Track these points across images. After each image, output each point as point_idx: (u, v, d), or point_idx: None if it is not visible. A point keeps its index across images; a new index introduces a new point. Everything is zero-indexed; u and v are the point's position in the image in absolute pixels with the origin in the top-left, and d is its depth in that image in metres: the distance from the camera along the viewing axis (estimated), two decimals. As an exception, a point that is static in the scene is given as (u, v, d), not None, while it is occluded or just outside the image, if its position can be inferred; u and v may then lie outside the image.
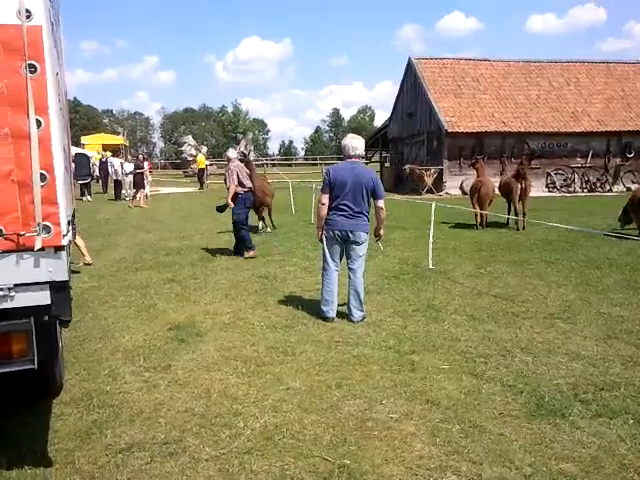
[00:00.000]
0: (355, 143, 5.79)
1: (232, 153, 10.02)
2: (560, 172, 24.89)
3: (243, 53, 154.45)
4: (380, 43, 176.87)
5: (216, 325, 5.71)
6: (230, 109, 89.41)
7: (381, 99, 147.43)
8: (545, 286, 7.14)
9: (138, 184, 20.62)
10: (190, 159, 44.33)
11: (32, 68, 2.53)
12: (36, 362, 2.99)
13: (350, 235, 5.64)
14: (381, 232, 6.04)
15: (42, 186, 2.59)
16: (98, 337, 5.39)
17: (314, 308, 6.04)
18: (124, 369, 4.58)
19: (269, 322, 5.78)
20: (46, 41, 2.59)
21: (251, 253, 9.31)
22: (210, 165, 36.70)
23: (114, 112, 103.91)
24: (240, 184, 9.34)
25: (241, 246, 9.51)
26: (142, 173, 20.76)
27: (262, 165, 37.04)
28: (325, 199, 5.70)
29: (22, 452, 3.31)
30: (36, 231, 2.60)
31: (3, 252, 2.60)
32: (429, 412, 3.75)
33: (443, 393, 4.02)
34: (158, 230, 13.25)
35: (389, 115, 31.68)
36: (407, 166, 25.67)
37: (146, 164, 25.32)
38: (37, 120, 2.56)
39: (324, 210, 5.71)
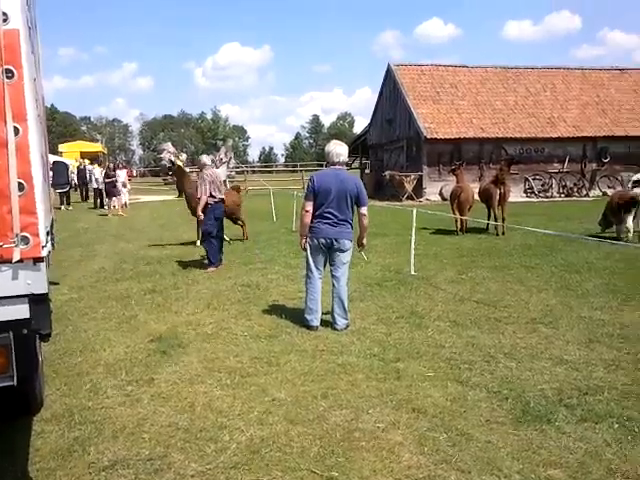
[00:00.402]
0: (339, 150, 5.77)
1: (207, 159, 9.57)
2: (538, 177, 25.22)
3: (222, 59, 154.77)
4: (360, 49, 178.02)
5: (199, 336, 5.64)
6: (209, 116, 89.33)
7: (360, 105, 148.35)
8: (526, 291, 7.20)
9: (109, 193, 20.69)
10: (169, 166, 43.97)
11: (9, 73, 2.46)
12: (15, 378, 2.92)
13: (335, 243, 5.63)
14: (364, 241, 6.03)
15: (20, 196, 2.52)
16: (78, 350, 5.28)
17: (298, 317, 6.01)
18: (106, 383, 4.50)
19: (252, 332, 5.73)
20: (23, 45, 2.52)
21: (210, 270, 8.88)
22: (190, 172, 36.42)
23: (92, 119, 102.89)
24: (210, 195, 8.84)
25: (210, 257, 9.03)
26: (113, 182, 20.72)
27: (242, 172, 36.90)
28: (309, 206, 5.68)
29: (2, 470, 3.22)
30: (14, 242, 2.53)
31: None
32: (416, 421, 3.74)
33: (429, 401, 4.02)
34: (138, 239, 13.11)
35: (369, 121, 31.86)
36: (387, 172, 25.80)
37: (125, 172, 25.12)
38: (15, 127, 2.49)
39: (307, 217, 5.69)
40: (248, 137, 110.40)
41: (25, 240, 2.55)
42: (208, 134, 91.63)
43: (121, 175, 23.36)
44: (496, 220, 12.28)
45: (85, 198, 27.67)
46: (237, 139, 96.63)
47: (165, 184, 42.38)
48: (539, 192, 25.01)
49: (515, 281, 7.77)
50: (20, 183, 2.51)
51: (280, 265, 9.24)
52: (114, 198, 20.78)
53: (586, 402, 3.93)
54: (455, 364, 4.73)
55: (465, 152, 24.26)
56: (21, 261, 2.56)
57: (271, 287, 7.71)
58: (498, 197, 12.32)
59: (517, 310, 6.32)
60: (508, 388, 4.21)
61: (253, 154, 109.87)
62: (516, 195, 21.75)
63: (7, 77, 2.45)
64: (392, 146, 28.19)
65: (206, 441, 3.52)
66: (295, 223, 13.26)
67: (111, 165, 24.08)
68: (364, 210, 5.75)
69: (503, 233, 12.11)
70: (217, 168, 24.02)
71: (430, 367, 4.67)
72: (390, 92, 27.93)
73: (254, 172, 44.82)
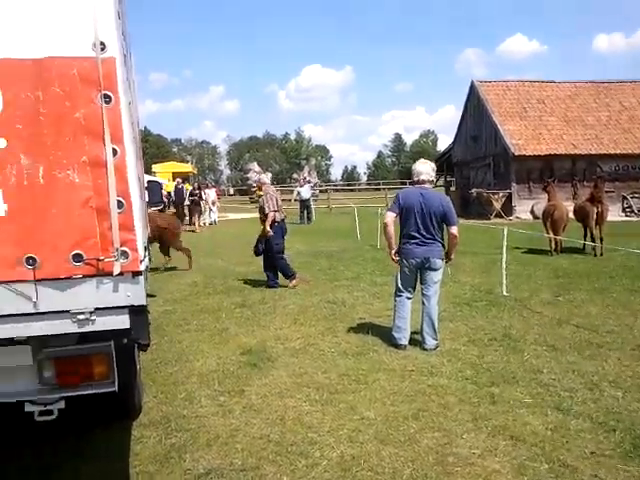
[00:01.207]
0: (420, 167, 5.67)
1: (267, 178, 9.74)
2: (637, 195, 23.71)
3: (305, 81, 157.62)
4: (441, 68, 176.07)
5: (287, 350, 5.70)
6: (293, 136, 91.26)
7: (443, 123, 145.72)
8: (630, 315, 6.73)
9: (192, 210, 21.83)
10: (255, 186, 45.34)
11: (107, 98, 2.60)
12: (117, 384, 3.06)
13: (425, 262, 5.52)
14: (452, 256, 5.84)
15: (119, 213, 2.63)
16: (174, 360, 5.49)
17: (385, 335, 5.93)
18: (199, 393, 4.63)
19: (339, 349, 5.71)
20: (119, 72, 2.66)
21: (293, 282, 8.98)
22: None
23: (182, 141, 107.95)
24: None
25: (287, 273, 9.10)
26: (196, 200, 21.94)
27: (325, 191, 37.28)
28: (388, 217, 5.63)
29: (104, 473, 3.37)
30: (115, 256, 2.64)
31: (84, 277, 2.65)
32: (514, 449, 3.56)
33: (528, 429, 3.81)
34: (226, 255, 13.50)
35: (452, 139, 31.35)
36: (474, 190, 25.19)
37: (214, 190, 26.17)
38: (113, 149, 2.62)
39: (387, 228, 5.64)
40: (331, 156, 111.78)
41: (125, 255, 2.66)
42: (292, 154, 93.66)
43: (210, 194, 24.39)
44: (593, 240, 11.62)
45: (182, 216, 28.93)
46: (320, 158, 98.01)
47: (251, 202, 43.73)
48: (639, 211, 23.48)
49: (617, 305, 7.28)
50: (119, 201, 2.63)
51: (366, 282, 9.19)
52: (196, 215, 21.94)
53: None
54: (554, 391, 4.47)
55: (557, 169, 23.26)
56: (121, 274, 2.67)
57: (357, 304, 7.67)
58: (595, 216, 11.67)
59: (621, 335, 5.91)
60: (615, 419, 3.92)
61: (336, 173, 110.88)
62: (614, 214, 20.50)
63: (105, 102, 2.60)
64: (478, 163, 27.53)
65: (297, 455, 3.52)
66: (380, 240, 13.19)
67: (195, 184, 25.16)
68: (453, 230, 5.57)
69: (601, 254, 11.43)
70: (301, 187, 24.61)
71: (527, 393, 4.45)
72: (474, 109, 27.37)
73: (336, 190, 45.14)
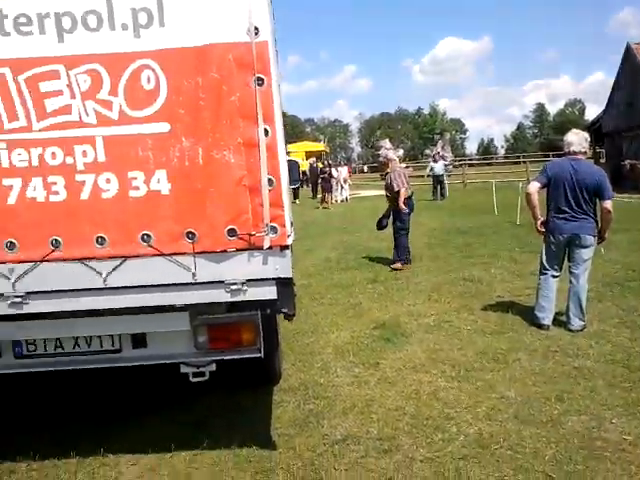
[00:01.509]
0: (572, 138, 5.26)
1: (393, 154, 9.38)
2: None
3: (440, 54, 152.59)
4: (589, 32, 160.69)
5: (421, 327, 5.67)
6: (426, 111, 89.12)
7: (591, 90, 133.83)
8: None
9: (323, 188, 22.48)
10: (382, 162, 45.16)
11: (260, 81, 2.72)
12: (262, 351, 3.26)
13: (574, 238, 5.16)
14: (605, 235, 5.37)
15: (270, 190, 2.78)
16: (310, 331, 5.70)
17: (525, 314, 5.68)
18: (335, 363, 4.78)
19: (476, 326, 5.56)
20: (271, 55, 2.77)
21: (397, 265, 8.65)
22: (406, 167, 36.88)
23: (315, 120, 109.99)
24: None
25: (400, 252, 8.81)
26: (326, 177, 22.51)
27: (460, 166, 36.07)
28: (531, 187, 5.31)
29: (248, 433, 3.61)
30: (265, 231, 2.79)
31: (237, 250, 2.84)
32: (673, 439, 3.26)
33: (691, 419, 3.47)
34: (358, 231, 13.63)
35: (603, 107, 28.69)
36: (627, 162, 22.97)
37: (346, 168, 26.51)
38: (265, 129, 2.75)
39: (531, 197, 5.30)
40: (466, 130, 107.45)
41: (274, 230, 2.81)
42: (424, 129, 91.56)
43: (342, 172, 24.73)
44: None
45: (315, 194, 29.74)
46: (454, 132, 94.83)
47: (382, 179, 43.63)
48: None
49: None
50: (270, 179, 2.78)
51: (504, 260, 8.81)
52: (328, 193, 22.42)
53: None
54: None
55: None
56: (270, 248, 2.83)
57: (495, 282, 7.39)
58: None
59: None
60: None
61: (471, 147, 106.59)
62: None
63: (258, 84, 2.73)
64: (632, 132, 24.97)
65: (433, 429, 3.52)
66: (520, 216, 12.55)
67: (325, 162, 25.65)
68: (607, 205, 5.10)
69: None
70: (435, 162, 24.05)
71: (690, 380, 4.03)
72: (630, 73, 24.71)
73: (471, 165, 43.46)
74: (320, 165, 27.01)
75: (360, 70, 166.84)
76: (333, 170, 23.95)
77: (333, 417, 3.79)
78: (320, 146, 49.60)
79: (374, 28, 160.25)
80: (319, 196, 24.35)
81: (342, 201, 24.23)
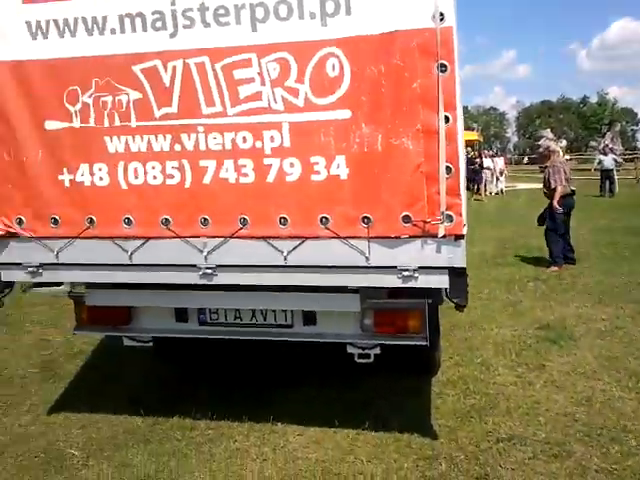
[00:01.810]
0: None
1: (556, 146, 8.53)
2: None
3: (612, 38, 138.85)
4: None
5: (590, 331, 5.29)
6: (594, 99, 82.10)
7: None
8: None
9: (471, 179, 21.29)
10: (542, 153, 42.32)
11: (443, 67, 2.67)
12: (428, 339, 3.27)
13: None
14: None
15: (447, 178, 2.74)
16: (467, 326, 5.58)
17: None
18: (496, 361, 4.65)
19: (656, 335, 5.07)
20: (455, 41, 2.71)
21: (553, 269, 8.02)
22: (569, 160, 34.31)
23: (469, 108, 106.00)
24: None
25: (554, 254, 8.13)
26: (475, 168, 21.44)
27: (632, 159, 32.77)
28: None
29: (410, 419, 3.66)
30: (440, 219, 2.76)
31: (410, 237, 2.84)
32: None
33: None
34: (515, 225, 12.98)
35: None
36: None
37: (502, 159, 25.34)
38: (445, 116, 2.70)
39: None
40: (638, 121, 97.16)
41: (449, 218, 2.77)
42: (591, 119, 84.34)
43: (499, 163, 23.69)
44: None
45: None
46: (625, 123, 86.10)
47: (541, 172, 40.90)
48: None
49: None
50: (448, 167, 2.73)
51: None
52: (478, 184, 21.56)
53: None
54: None
55: None
56: (444, 237, 2.79)
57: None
58: None
59: None
60: None
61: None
62: None
63: (441, 71, 2.67)
64: None
65: (608, 440, 3.31)
66: None
67: (475, 153, 24.52)
68: None
69: None
70: (605, 155, 22.05)
71: None
72: None
73: (645, 159, 39.19)
74: (474, 154, 26.08)
75: (520, 56, 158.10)
76: (489, 161, 22.99)
77: (496, 415, 3.70)
78: (473, 135, 47.70)
79: (537, 11, 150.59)
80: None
81: (497, 193, 23.20)
